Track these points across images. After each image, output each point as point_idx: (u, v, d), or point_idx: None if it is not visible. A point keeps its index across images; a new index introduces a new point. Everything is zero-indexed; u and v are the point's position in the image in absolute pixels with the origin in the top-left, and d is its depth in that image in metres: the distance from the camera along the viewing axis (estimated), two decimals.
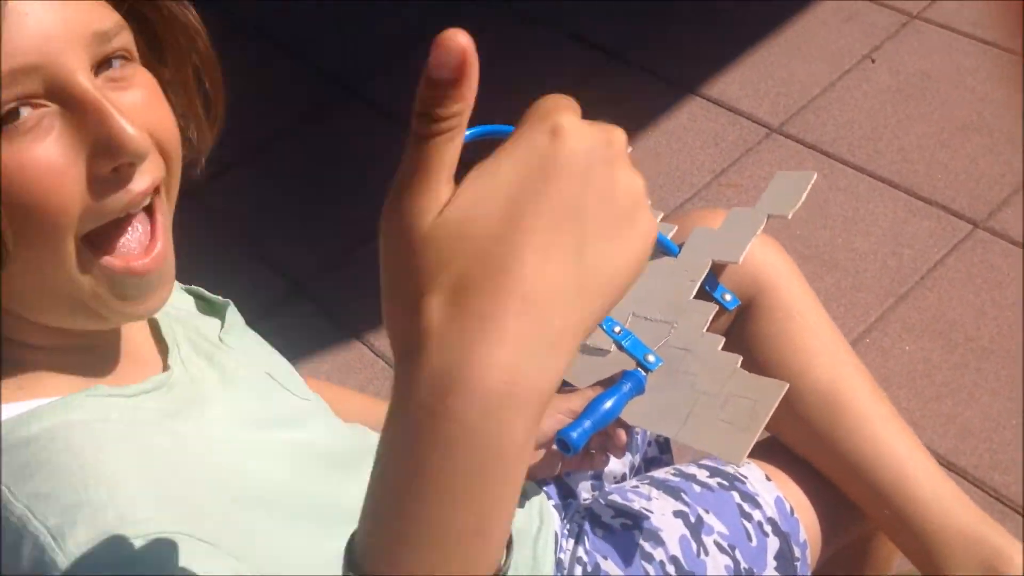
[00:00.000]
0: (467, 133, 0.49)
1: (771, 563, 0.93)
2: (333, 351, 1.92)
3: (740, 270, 0.99)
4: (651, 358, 0.90)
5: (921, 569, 0.96)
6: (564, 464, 0.92)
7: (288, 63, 2.58)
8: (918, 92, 2.09)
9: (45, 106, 0.56)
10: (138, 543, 0.53)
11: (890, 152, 2.00)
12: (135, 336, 0.72)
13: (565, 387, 0.93)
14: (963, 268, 1.80)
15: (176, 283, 0.70)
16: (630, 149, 0.41)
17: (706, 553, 0.92)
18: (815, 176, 0.93)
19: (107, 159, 0.57)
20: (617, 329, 0.93)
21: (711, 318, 0.91)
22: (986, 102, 2.04)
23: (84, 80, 0.57)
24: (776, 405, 0.83)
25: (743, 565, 0.92)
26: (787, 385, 0.83)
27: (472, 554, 0.39)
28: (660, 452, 1.13)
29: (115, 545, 0.52)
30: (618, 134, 0.41)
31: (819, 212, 1.94)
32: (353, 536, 0.41)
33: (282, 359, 0.86)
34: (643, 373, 0.89)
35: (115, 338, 0.69)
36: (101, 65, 0.59)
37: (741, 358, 0.87)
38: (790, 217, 0.93)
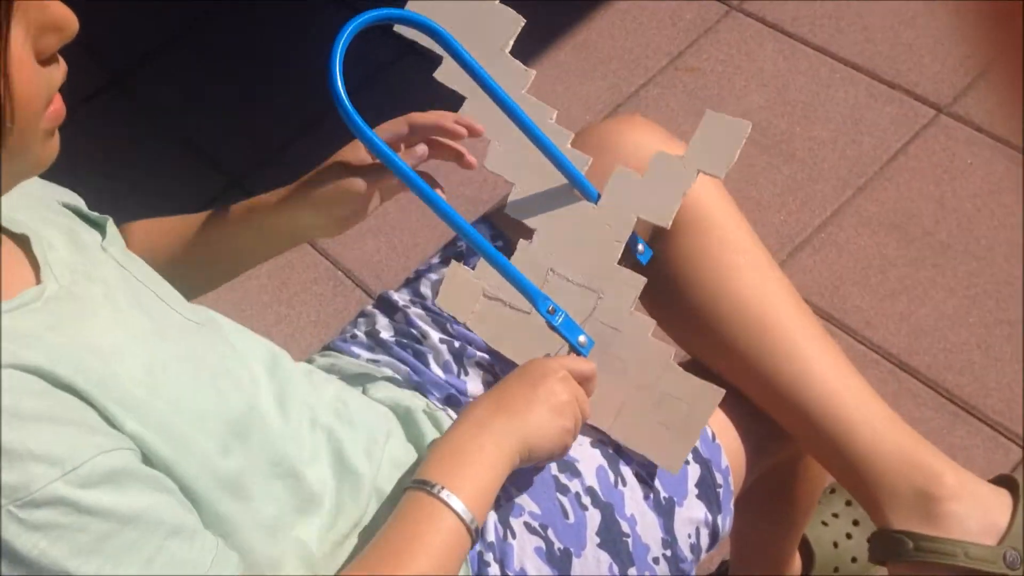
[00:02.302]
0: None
1: (692, 491, 0.88)
2: None
3: None
4: (583, 339, 0.85)
5: (853, 493, 0.91)
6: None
7: None
8: None
9: None
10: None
11: (853, 32, 1.89)
12: (5, 253, 0.69)
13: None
14: (924, 157, 1.73)
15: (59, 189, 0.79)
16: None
17: (624, 483, 0.87)
18: (750, 127, 0.85)
19: (55, 38, 0.60)
20: (551, 308, 0.86)
21: (639, 293, 0.86)
22: None
23: None
24: (712, 413, 0.82)
25: (663, 495, 0.87)
26: (723, 392, 0.82)
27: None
28: None
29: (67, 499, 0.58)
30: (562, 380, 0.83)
31: (778, 99, 1.84)
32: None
33: (163, 281, 0.81)
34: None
35: None
36: None
37: (673, 350, 0.83)
38: (723, 177, 0.87)
